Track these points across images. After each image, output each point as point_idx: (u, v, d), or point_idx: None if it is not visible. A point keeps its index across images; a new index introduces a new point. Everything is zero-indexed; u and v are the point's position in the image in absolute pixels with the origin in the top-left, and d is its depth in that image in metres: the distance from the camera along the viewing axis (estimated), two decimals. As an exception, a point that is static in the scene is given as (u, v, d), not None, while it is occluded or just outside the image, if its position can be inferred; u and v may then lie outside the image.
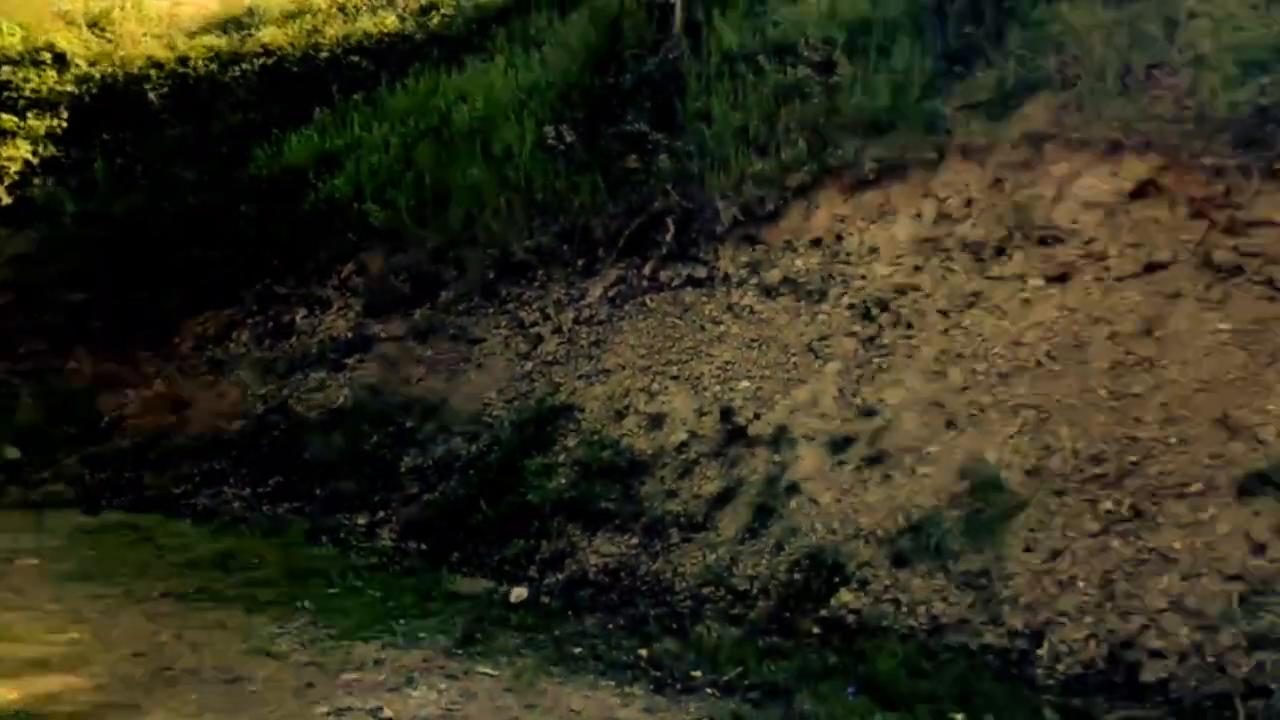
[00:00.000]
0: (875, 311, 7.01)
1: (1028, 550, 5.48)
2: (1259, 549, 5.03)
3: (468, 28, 12.37)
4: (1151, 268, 6.32)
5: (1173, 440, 5.56)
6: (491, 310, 9.23)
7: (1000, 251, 6.90)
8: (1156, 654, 4.88)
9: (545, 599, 6.42)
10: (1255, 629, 4.75)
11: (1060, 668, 4.98)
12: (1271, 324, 5.75)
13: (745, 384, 7.19)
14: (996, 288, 6.77)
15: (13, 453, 9.90)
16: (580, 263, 8.99)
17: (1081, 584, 5.24)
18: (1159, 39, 6.93)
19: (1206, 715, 4.53)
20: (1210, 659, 4.76)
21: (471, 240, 9.65)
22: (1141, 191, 6.60)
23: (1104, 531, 5.39)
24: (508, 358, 8.74)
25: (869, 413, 6.54)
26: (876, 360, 6.79)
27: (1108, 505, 5.47)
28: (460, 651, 5.60)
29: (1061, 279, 6.56)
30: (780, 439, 6.73)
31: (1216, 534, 5.15)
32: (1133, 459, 5.58)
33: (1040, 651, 5.08)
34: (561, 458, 7.55)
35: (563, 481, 7.31)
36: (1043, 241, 6.77)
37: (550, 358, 8.50)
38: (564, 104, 9.71)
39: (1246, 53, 6.47)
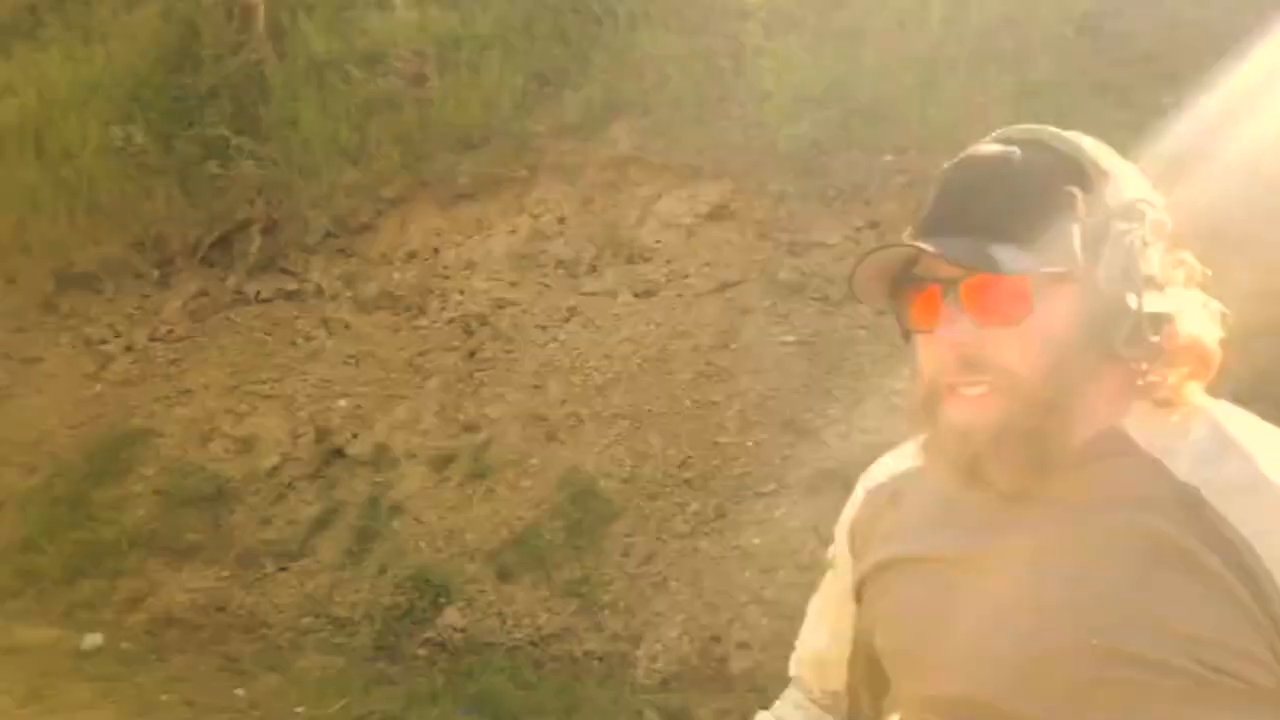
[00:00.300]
0: (475, 326, 7.06)
1: (625, 555, 5.72)
2: (826, 541, 5.54)
3: (16, 12, 11.13)
4: (725, 285, 6.82)
5: (749, 444, 6.01)
6: (50, 327, 8.35)
7: (593, 268, 7.17)
8: (743, 645, 5.26)
9: (125, 644, 5.90)
10: (824, 614, 5.24)
11: (658, 667, 5.24)
12: (829, 335, 6.38)
13: (343, 402, 6.99)
14: (590, 303, 7.02)
15: None
16: (155, 274, 8.35)
17: (674, 584, 5.55)
18: (729, 72, 7.50)
19: (710, 687, 4.95)
20: (789, 645, 5.19)
21: (24, 249, 8.69)
22: (716, 214, 7.11)
23: (693, 532, 5.74)
24: (72, 379, 7.95)
25: (471, 428, 6.57)
26: (478, 375, 6.84)
27: (695, 507, 5.83)
28: (24, 711, 5.03)
29: (648, 295, 6.92)
30: (381, 458, 6.60)
31: (789, 529, 5.63)
32: (716, 462, 5.99)
33: (639, 653, 5.32)
34: (139, 487, 6.97)
35: (141, 513, 6.75)
36: (630, 259, 7.11)
37: (123, 378, 7.83)
38: (134, 103, 8.98)
39: (803, 90, 7.13)
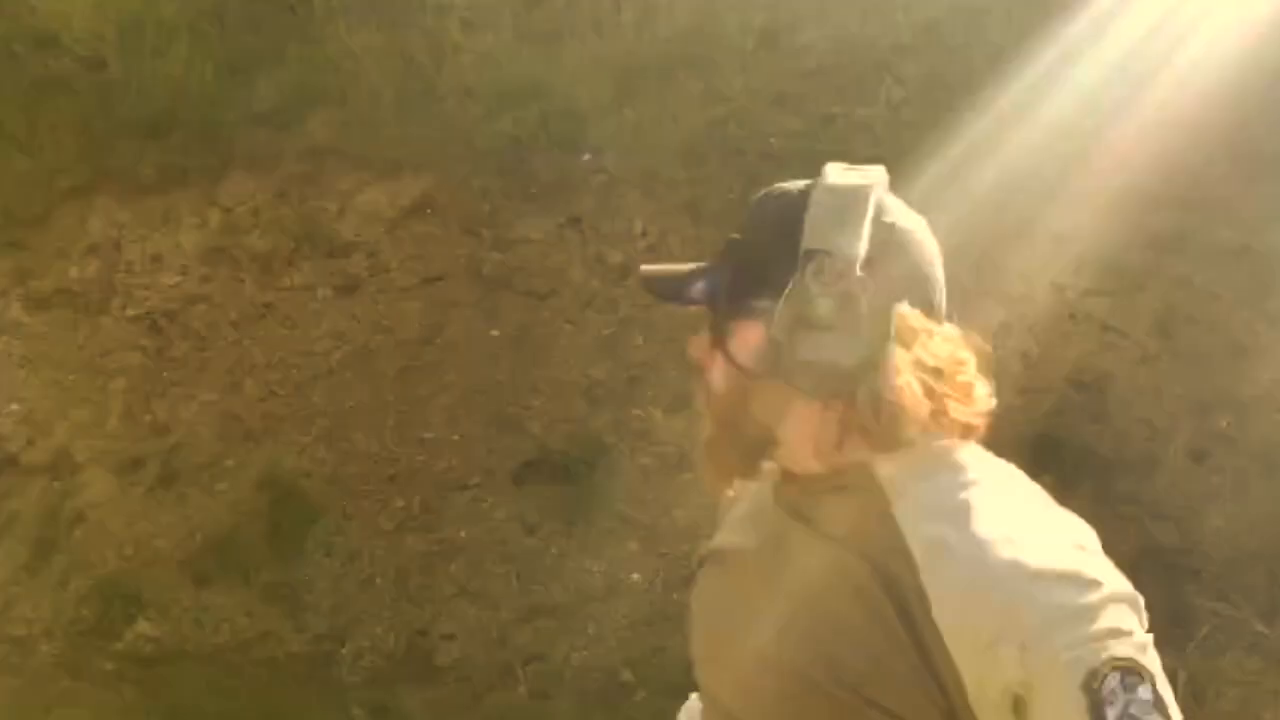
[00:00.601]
0: (163, 324, 6.74)
1: (328, 555, 5.65)
2: (531, 530, 5.69)
3: None
4: (430, 280, 6.83)
5: (455, 438, 6.07)
6: None
7: (290, 263, 7.00)
8: (448, 637, 5.32)
9: None
10: (530, 602, 5.38)
11: (364, 664, 5.22)
12: (534, 329, 6.52)
13: (15, 407, 6.50)
14: (287, 299, 6.85)
15: None
16: None
17: (380, 581, 5.53)
18: (428, 68, 7.49)
19: (493, 686, 5.04)
20: (494, 635, 5.30)
21: None
22: (419, 208, 7.10)
23: (398, 529, 5.74)
24: None
25: (160, 430, 6.27)
26: (166, 375, 6.53)
27: (401, 503, 5.83)
28: None
29: (349, 290, 6.82)
30: (60, 465, 6.20)
31: (496, 520, 5.73)
32: (422, 458, 6.01)
33: (344, 651, 5.27)
34: None
35: None
36: (330, 254, 6.99)
37: None
38: None
39: (503, 88, 7.23)
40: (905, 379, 1.18)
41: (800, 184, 1.26)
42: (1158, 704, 1.01)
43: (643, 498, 5.72)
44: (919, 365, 1.19)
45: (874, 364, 1.17)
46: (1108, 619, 1.04)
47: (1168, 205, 5.56)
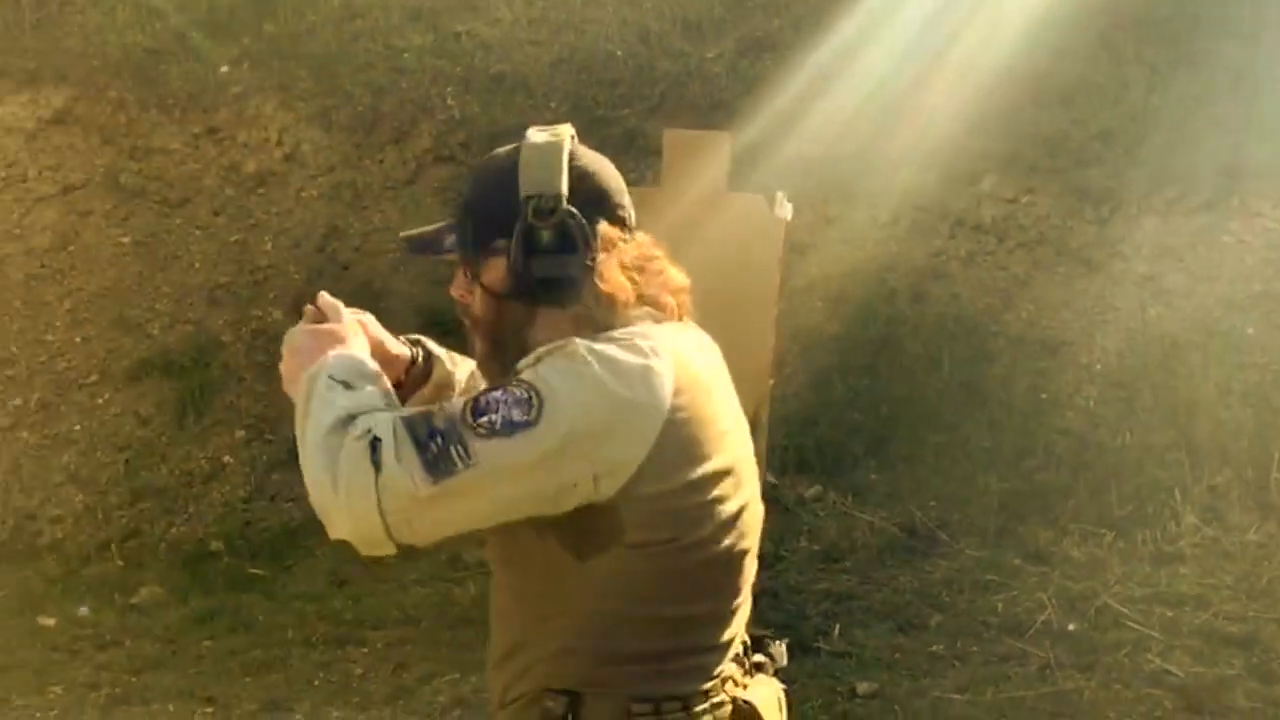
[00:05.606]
0: None
1: (-60, 450, 5.92)
2: (145, 422, 6.08)
3: None
4: (68, 189, 7.02)
5: (77, 340, 6.36)
6: None
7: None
8: (56, 520, 5.69)
9: None
10: (136, 485, 5.79)
11: (-33, 548, 5.56)
12: (163, 236, 6.82)
13: None
14: (-80, 208, 6.94)
15: None
16: None
17: (-8, 472, 5.85)
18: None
19: (89, 559, 5.46)
20: (100, 516, 5.70)
21: None
22: (58, 119, 7.25)
23: (15, 425, 6.04)
24: None
25: None
26: None
27: (19, 401, 6.11)
28: None
29: (-15, 199, 6.96)
30: None
31: (110, 415, 6.09)
32: (43, 359, 6.29)
33: (-51, 538, 5.59)
34: None
35: None
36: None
37: None
38: None
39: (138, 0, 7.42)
40: (614, 276, 1.49)
41: (508, 148, 1.55)
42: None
43: (254, 389, 6.16)
44: (622, 265, 1.50)
45: (590, 269, 1.48)
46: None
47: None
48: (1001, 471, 5.05)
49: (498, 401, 1.36)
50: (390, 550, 1.37)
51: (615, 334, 1.44)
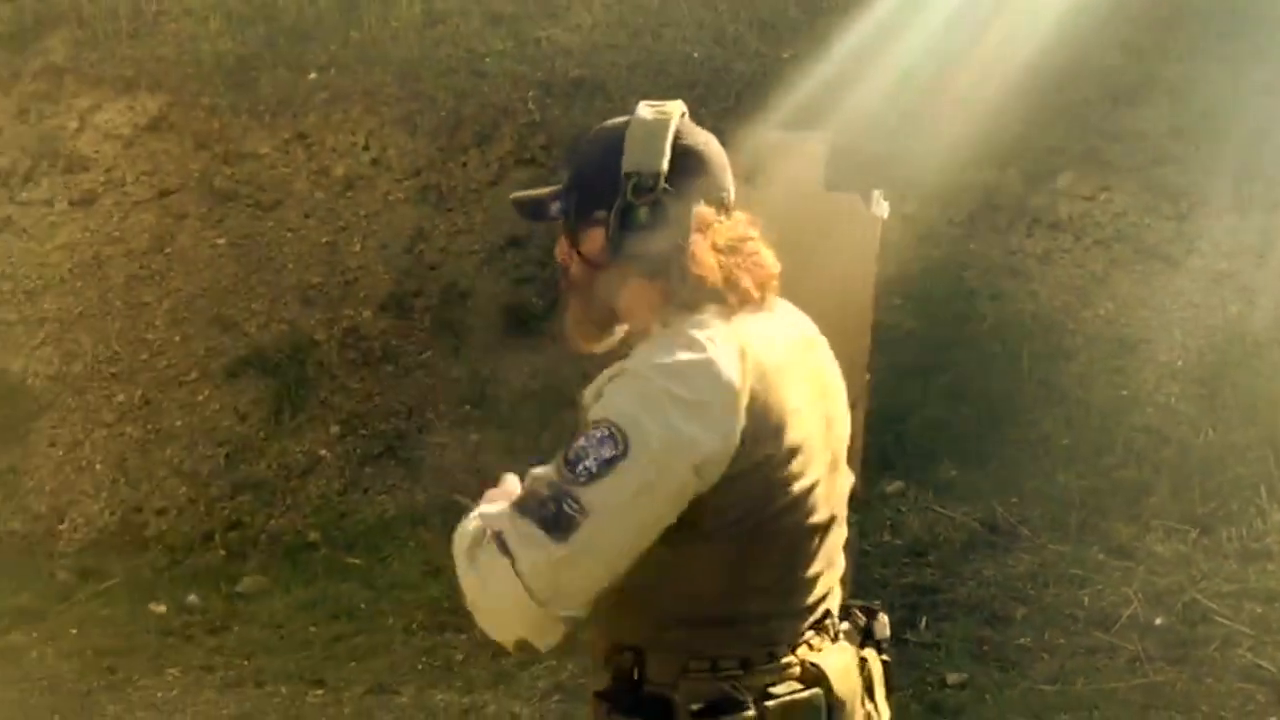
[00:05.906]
0: (-105, 238, 7.08)
1: (51, 445, 6.19)
2: (243, 418, 6.31)
3: None
4: (163, 193, 7.29)
5: (176, 339, 6.61)
6: None
7: (28, 178, 7.37)
8: (161, 512, 5.94)
9: None
10: (236, 478, 6.02)
11: (78, 537, 5.81)
12: (256, 238, 7.05)
13: None
14: (25, 212, 7.25)
15: None
16: None
17: (100, 467, 6.10)
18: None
19: (194, 549, 5.70)
20: (202, 508, 5.94)
21: None
22: (154, 125, 7.52)
23: (119, 420, 6.30)
24: None
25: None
26: (-100, 285, 6.91)
27: (122, 398, 6.38)
28: None
29: (85, 203, 7.25)
30: None
31: (210, 411, 6.33)
32: (144, 357, 6.55)
33: (61, 527, 5.85)
34: None
35: None
36: (69, 169, 7.38)
37: None
38: None
39: (231, 8, 7.66)
40: (704, 257, 1.55)
41: (619, 120, 1.63)
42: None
43: (346, 386, 6.37)
44: (714, 247, 1.56)
45: (681, 249, 1.55)
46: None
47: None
48: (1081, 468, 5.10)
49: (585, 449, 1.43)
50: (559, 633, 1.46)
51: (673, 336, 1.51)
